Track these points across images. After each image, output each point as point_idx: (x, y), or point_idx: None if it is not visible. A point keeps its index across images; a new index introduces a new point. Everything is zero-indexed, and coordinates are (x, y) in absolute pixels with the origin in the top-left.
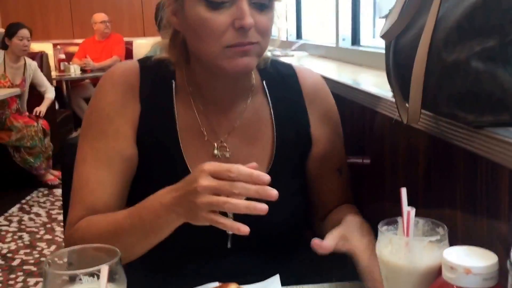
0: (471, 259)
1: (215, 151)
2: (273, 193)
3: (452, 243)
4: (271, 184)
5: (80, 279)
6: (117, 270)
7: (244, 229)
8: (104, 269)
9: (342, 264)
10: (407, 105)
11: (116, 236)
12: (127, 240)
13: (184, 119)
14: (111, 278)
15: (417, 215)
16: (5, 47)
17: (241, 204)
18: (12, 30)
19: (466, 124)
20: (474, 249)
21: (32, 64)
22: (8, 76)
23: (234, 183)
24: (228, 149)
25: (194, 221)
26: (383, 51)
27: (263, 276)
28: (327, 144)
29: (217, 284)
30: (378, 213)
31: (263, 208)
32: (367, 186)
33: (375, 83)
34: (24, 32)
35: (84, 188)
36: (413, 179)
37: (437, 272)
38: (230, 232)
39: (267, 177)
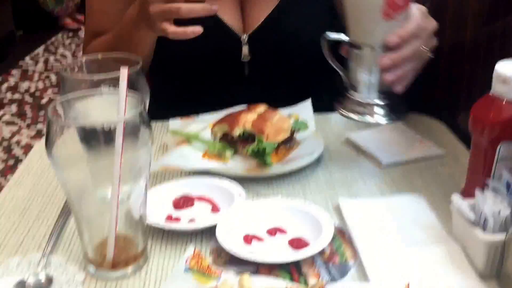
0: None
1: None
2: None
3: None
4: (287, 11)
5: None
6: (138, 79)
7: (194, 29)
8: (124, 72)
9: None
10: None
11: None
12: None
13: None
14: (133, 87)
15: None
16: None
17: (196, 7)
18: None
19: None
20: None
21: None
22: None
23: None
24: None
25: (156, 32)
26: None
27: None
28: None
29: (245, 106)
30: None
31: (215, 8)
32: None
33: None
34: None
35: (90, 17)
36: (462, 19)
37: None
38: (245, 59)
39: None
